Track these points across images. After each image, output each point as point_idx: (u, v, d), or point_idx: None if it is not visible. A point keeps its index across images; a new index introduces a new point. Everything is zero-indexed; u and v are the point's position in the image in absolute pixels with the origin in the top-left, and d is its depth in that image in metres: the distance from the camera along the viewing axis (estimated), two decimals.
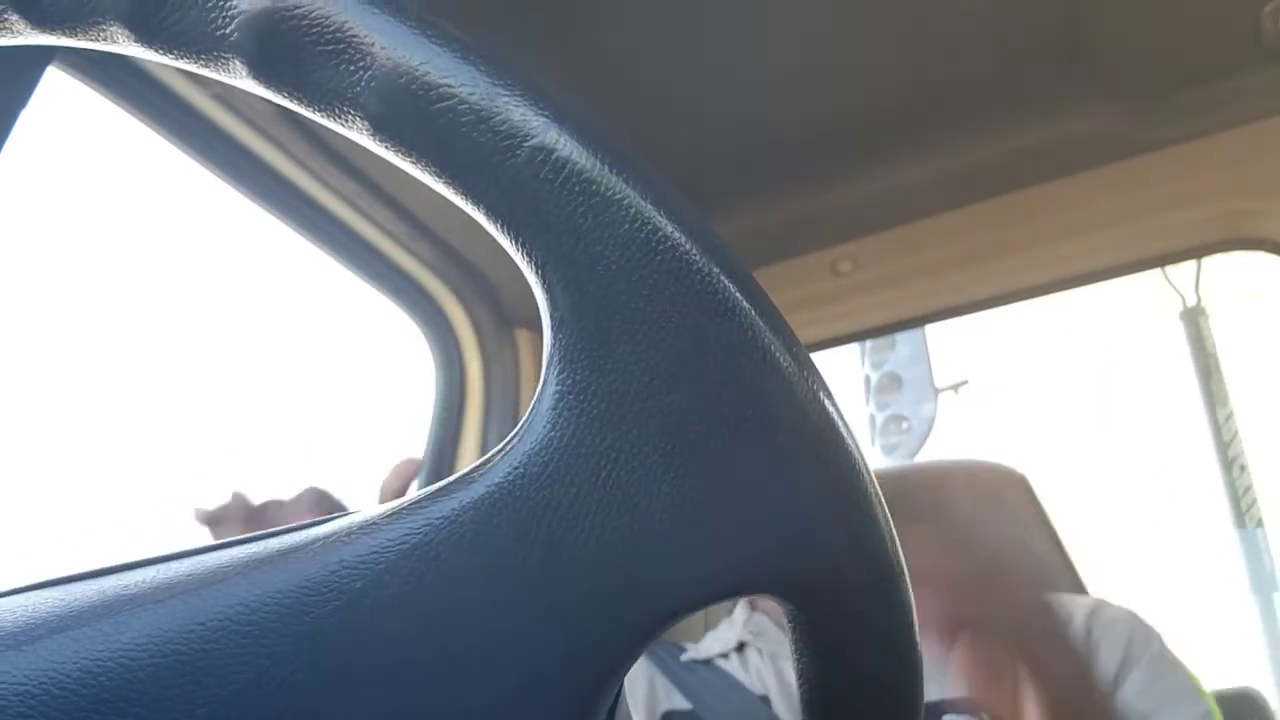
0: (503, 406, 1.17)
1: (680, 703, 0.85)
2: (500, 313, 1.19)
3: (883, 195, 1.12)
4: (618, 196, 0.17)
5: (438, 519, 0.17)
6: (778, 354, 0.18)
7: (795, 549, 0.18)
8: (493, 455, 0.18)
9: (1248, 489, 2.74)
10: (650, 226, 0.17)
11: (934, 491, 1.04)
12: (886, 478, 1.08)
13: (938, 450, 3.73)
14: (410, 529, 0.17)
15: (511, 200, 0.17)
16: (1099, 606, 0.77)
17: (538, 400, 0.18)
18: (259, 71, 0.18)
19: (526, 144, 0.17)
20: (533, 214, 0.17)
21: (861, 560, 0.19)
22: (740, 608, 0.92)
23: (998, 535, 1.00)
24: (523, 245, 0.18)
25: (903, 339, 3.72)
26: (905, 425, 3.66)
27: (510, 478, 0.18)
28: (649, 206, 0.17)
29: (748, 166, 1.08)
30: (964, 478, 0.98)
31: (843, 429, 0.19)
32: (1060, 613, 0.77)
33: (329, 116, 0.18)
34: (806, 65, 0.93)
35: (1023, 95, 0.99)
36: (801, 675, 0.21)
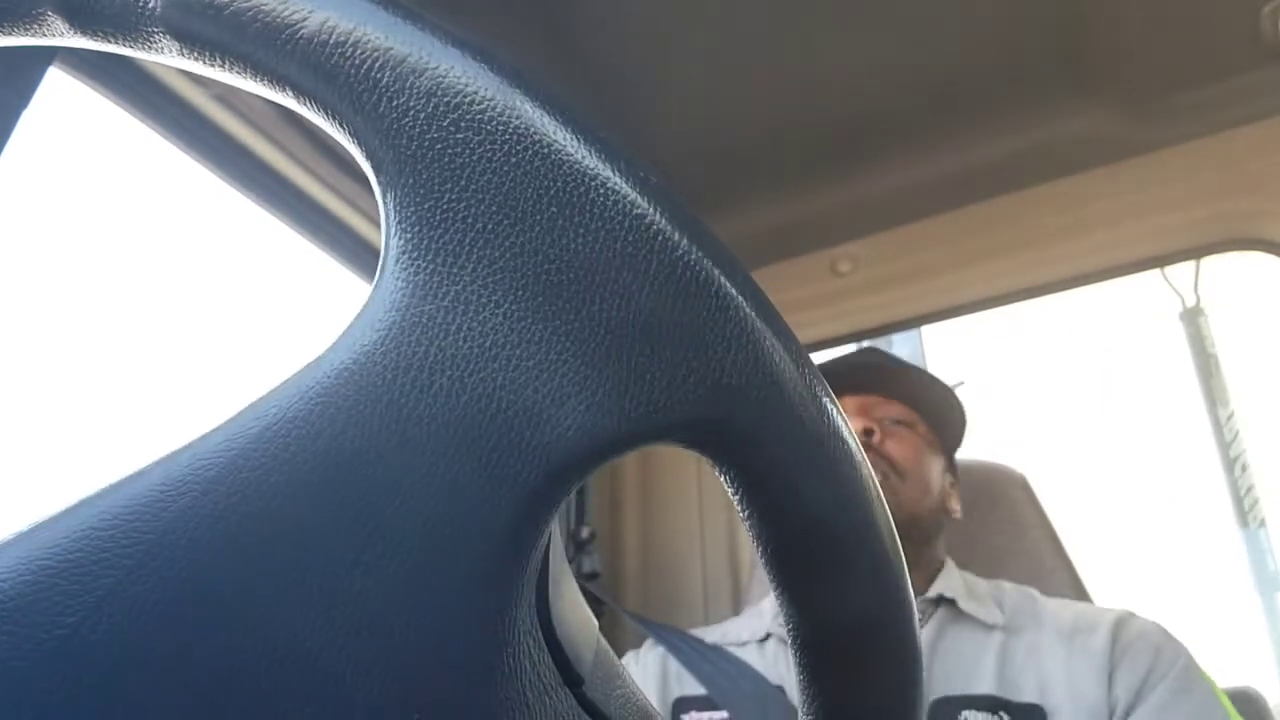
0: None
1: (693, 688, 0.85)
2: None
3: (883, 195, 1.12)
4: (410, 47, 0.17)
5: (285, 400, 0.17)
6: (617, 183, 0.17)
7: (682, 397, 0.17)
8: (340, 334, 0.18)
9: (1249, 488, 2.74)
10: (452, 72, 0.17)
11: None
12: None
13: None
14: (259, 414, 0.17)
15: (309, 71, 0.18)
16: (1126, 618, 0.77)
17: (379, 272, 0.18)
18: (72, 20, 0.19)
19: (314, 14, 0.17)
20: (331, 80, 0.17)
21: (775, 396, 0.18)
22: (770, 600, 0.91)
23: (997, 535, 1.00)
24: (332, 114, 0.18)
25: (900, 340, 3.72)
26: None
27: (355, 349, 0.17)
28: (447, 52, 0.17)
29: (748, 166, 1.08)
30: (963, 477, 0.98)
31: (722, 251, 0.18)
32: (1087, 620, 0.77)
33: (143, 45, 0.19)
34: (806, 65, 0.93)
35: (1023, 95, 0.99)
36: (753, 534, 0.20)
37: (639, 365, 0.17)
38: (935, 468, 0.88)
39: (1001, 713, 0.72)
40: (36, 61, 0.59)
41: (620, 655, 0.96)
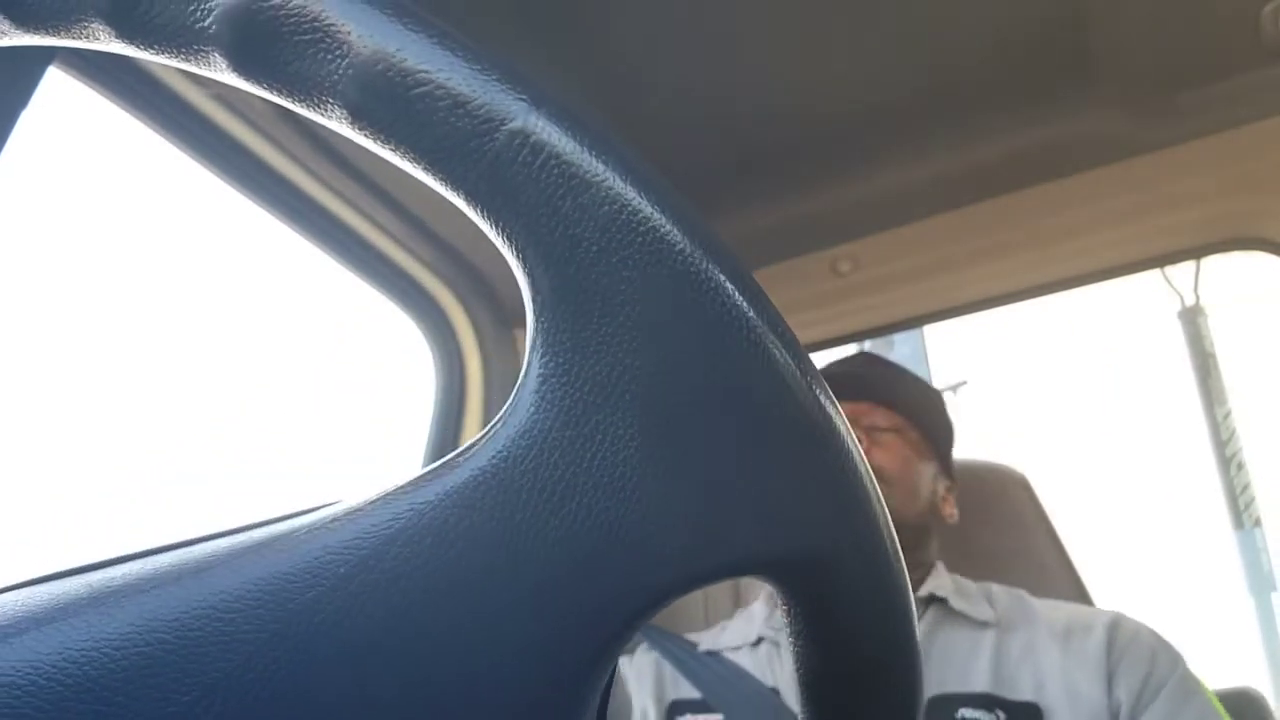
0: (503, 406, 1.17)
1: (689, 692, 0.85)
2: (500, 313, 1.19)
3: (883, 195, 1.12)
4: (597, 179, 0.17)
5: (421, 503, 0.17)
6: (762, 335, 0.18)
7: (785, 532, 0.18)
8: (478, 440, 0.18)
9: (1245, 488, 2.75)
10: (630, 208, 0.17)
11: None
12: None
13: None
14: (394, 513, 0.17)
15: (491, 184, 0.17)
16: (1119, 619, 0.77)
17: (521, 384, 0.18)
18: (238, 64, 0.18)
19: (505, 127, 0.17)
20: (512, 197, 0.17)
21: (854, 541, 0.19)
22: (760, 603, 0.92)
23: (998, 535, 1.00)
24: (503, 229, 0.18)
25: (901, 340, 3.72)
26: None
27: (495, 461, 0.18)
28: (629, 188, 0.17)
29: (748, 166, 1.08)
30: (963, 477, 0.98)
31: (832, 412, 0.19)
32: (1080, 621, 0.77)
33: (308, 106, 0.18)
34: (807, 65, 0.92)
35: (1023, 95, 0.99)
36: (799, 661, 0.21)
37: (746, 506, 0.18)
38: (925, 473, 0.89)
39: (998, 710, 0.73)
40: (36, 61, 0.59)
41: None
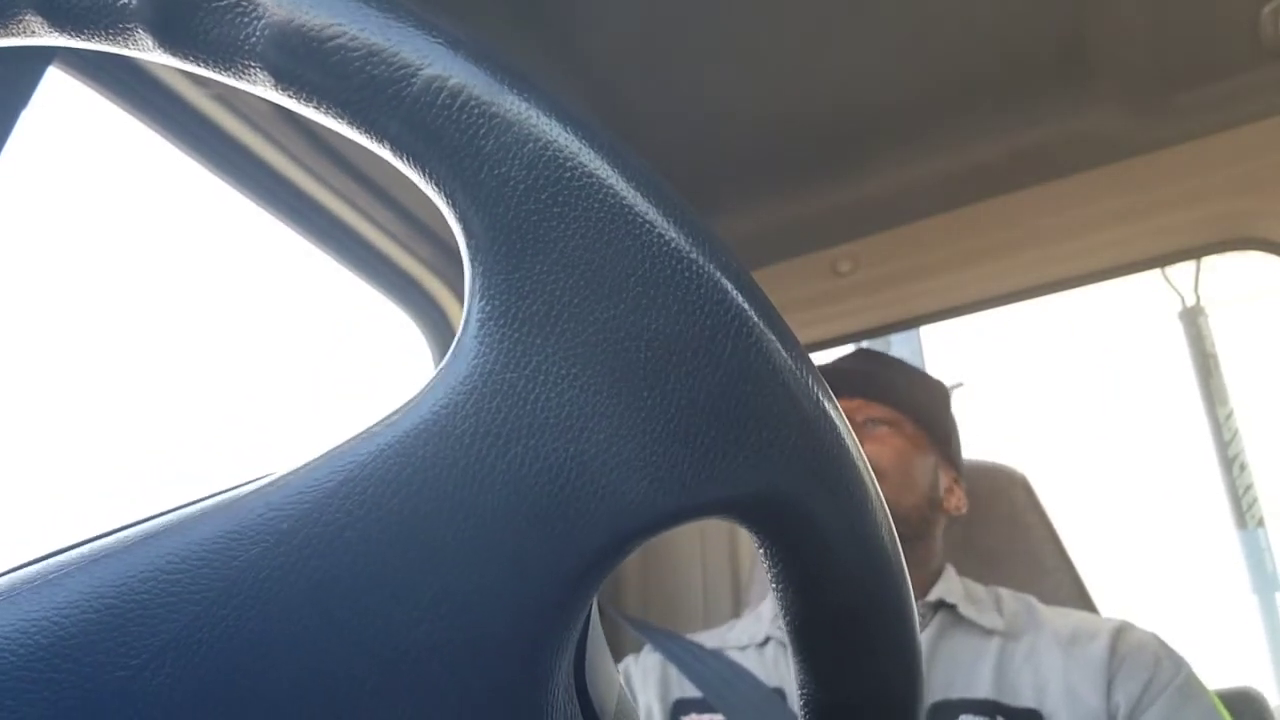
0: None
1: (693, 690, 0.85)
2: None
3: (883, 195, 1.12)
4: (518, 116, 0.17)
5: (363, 454, 0.17)
6: (705, 265, 0.18)
7: (747, 470, 0.18)
8: (419, 392, 0.18)
9: (1248, 488, 2.75)
10: (555, 145, 0.17)
11: None
12: None
13: None
14: (335, 468, 0.17)
15: (412, 129, 0.17)
16: (1125, 627, 0.77)
17: (461, 332, 0.18)
18: (162, 38, 0.18)
19: (421, 73, 0.17)
20: (434, 141, 0.17)
21: (822, 477, 0.18)
22: (768, 604, 0.92)
23: (997, 535, 1.00)
24: (430, 174, 0.18)
25: (899, 341, 3.72)
26: None
27: (435, 410, 0.17)
28: (552, 124, 0.17)
29: (748, 166, 1.08)
30: (963, 477, 0.98)
31: (791, 341, 0.18)
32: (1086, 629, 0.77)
33: (234, 74, 0.18)
34: (806, 65, 0.93)
35: (1023, 95, 0.99)
36: (783, 607, 0.20)
37: (705, 444, 0.18)
38: (921, 466, 0.88)
39: (999, 717, 0.73)
40: (36, 61, 0.59)
41: (619, 659, 0.96)
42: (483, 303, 0.18)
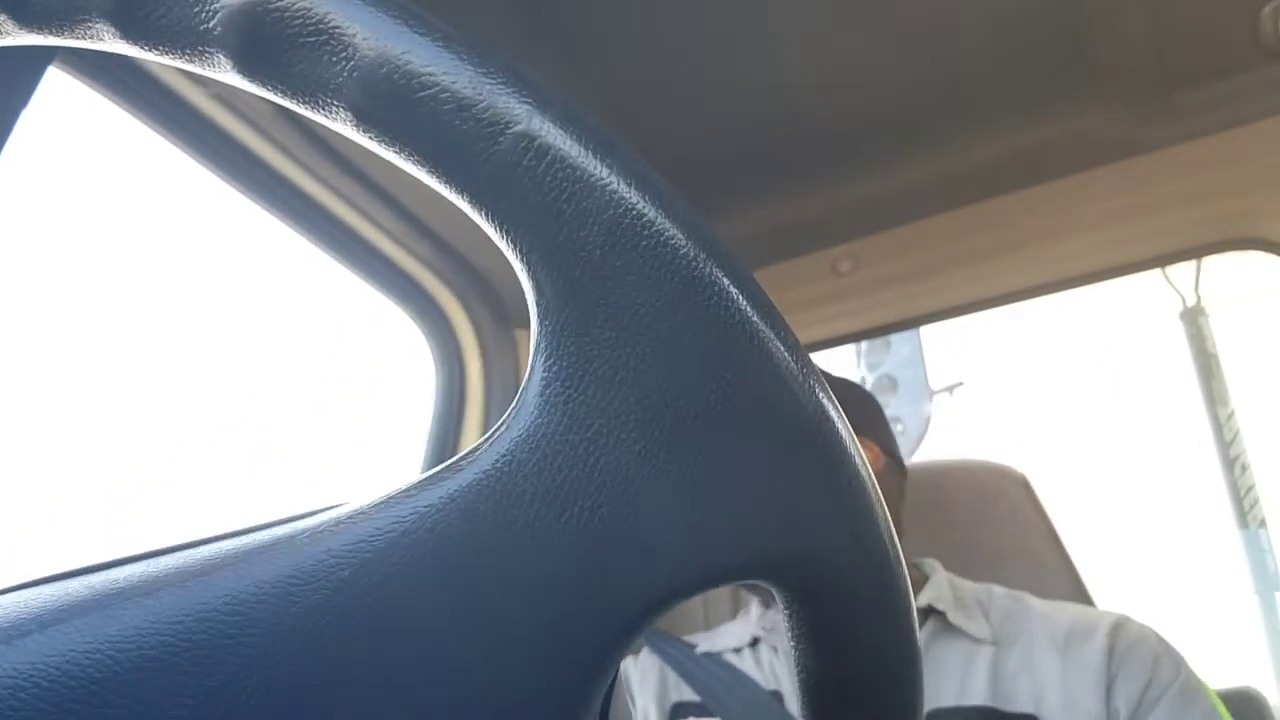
0: (503, 407, 1.17)
1: (691, 694, 0.85)
2: (500, 313, 1.19)
3: (883, 195, 1.12)
4: (601, 182, 0.17)
5: (425, 506, 0.17)
6: (765, 339, 0.18)
7: (787, 534, 0.18)
8: (481, 443, 0.18)
9: (1250, 488, 2.74)
10: (634, 212, 0.17)
11: (933, 491, 1.04)
12: None
13: (934, 453, 3.72)
14: (397, 517, 0.17)
15: (495, 187, 0.17)
16: (1122, 622, 0.76)
17: (525, 388, 0.18)
18: (243, 65, 0.18)
19: (509, 131, 0.17)
20: (516, 201, 0.17)
21: (855, 544, 0.19)
22: (755, 604, 0.92)
23: (997, 535, 1.00)
24: (507, 232, 0.18)
25: (898, 341, 3.72)
26: (900, 427, 3.66)
27: (498, 465, 0.18)
28: (633, 192, 0.17)
29: (748, 166, 1.08)
30: (964, 477, 0.98)
31: (834, 414, 0.19)
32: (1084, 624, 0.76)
33: (313, 108, 0.18)
34: (807, 65, 0.93)
35: (1023, 95, 0.99)
36: (799, 664, 0.21)
37: (748, 509, 0.18)
38: (892, 488, 0.89)
39: None
40: (36, 61, 0.59)
41: None
42: (549, 362, 0.18)
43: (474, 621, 0.17)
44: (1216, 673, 0.77)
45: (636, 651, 0.96)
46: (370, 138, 0.18)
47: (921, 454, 3.70)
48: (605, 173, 0.17)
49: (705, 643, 0.91)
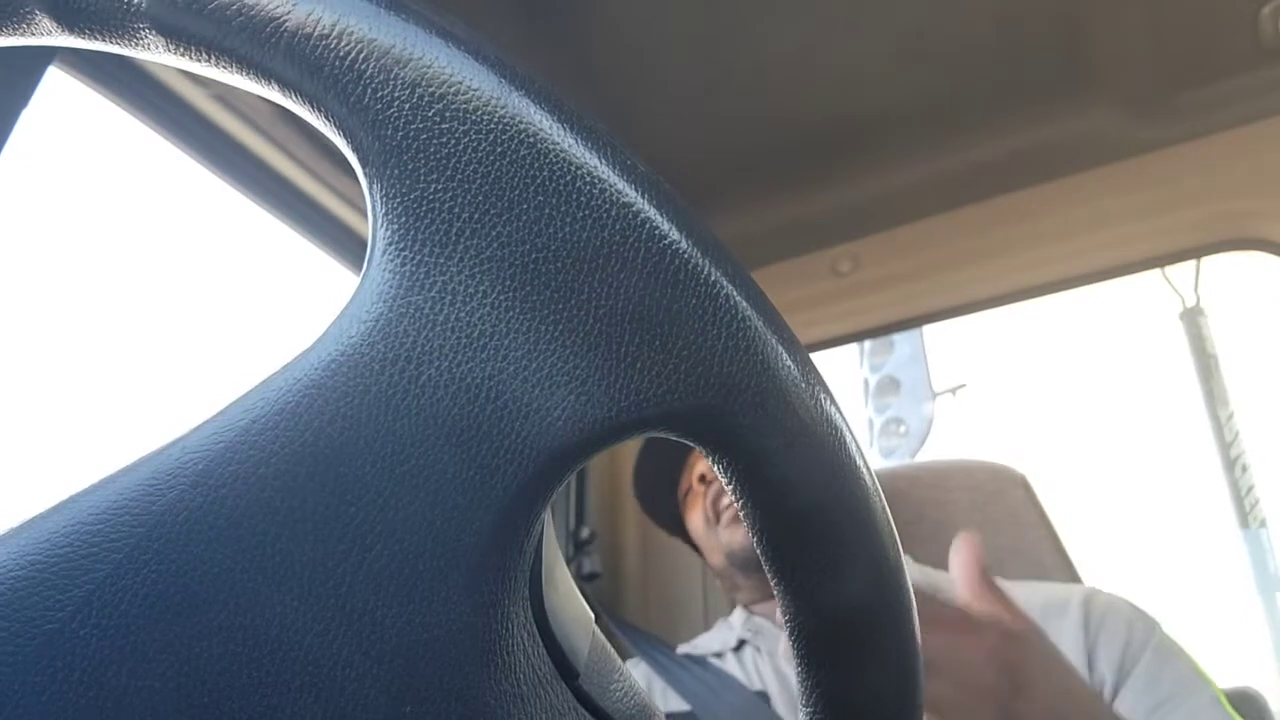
0: None
1: (677, 704, 0.85)
2: None
3: (883, 195, 1.12)
4: (395, 38, 0.17)
5: (274, 391, 0.17)
6: (604, 172, 0.17)
7: (671, 386, 0.17)
8: (328, 325, 0.18)
9: (1250, 489, 2.74)
10: (438, 63, 0.17)
11: (933, 491, 1.04)
12: (885, 477, 1.08)
13: (936, 454, 3.72)
14: (247, 406, 0.17)
15: (295, 64, 0.17)
16: (1092, 594, 0.76)
17: (366, 264, 0.18)
18: (60, 18, 0.19)
19: (296, 8, 0.17)
20: (317, 72, 0.17)
21: (752, 389, 0.17)
22: (738, 610, 0.92)
23: (997, 535, 1.00)
24: (319, 108, 0.18)
25: (900, 341, 3.72)
26: (903, 428, 3.66)
27: (341, 341, 0.17)
28: (433, 42, 0.17)
29: (748, 166, 1.08)
30: (963, 477, 0.98)
31: (709, 241, 0.18)
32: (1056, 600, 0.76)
33: (131, 41, 0.19)
34: (807, 65, 0.93)
35: (1023, 95, 0.99)
36: (749, 523, 0.19)
37: (629, 354, 0.17)
38: None
39: None
40: (36, 61, 0.59)
41: None
42: (382, 229, 0.18)
43: (341, 499, 0.16)
44: (1216, 673, 0.77)
45: (625, 660, 0.96)
46: (182, 53, 0.18)
47: (923, 456, 3.70)
48: (398, 27, 0.17)
49: (687, 647, 0.91)
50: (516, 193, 0.17)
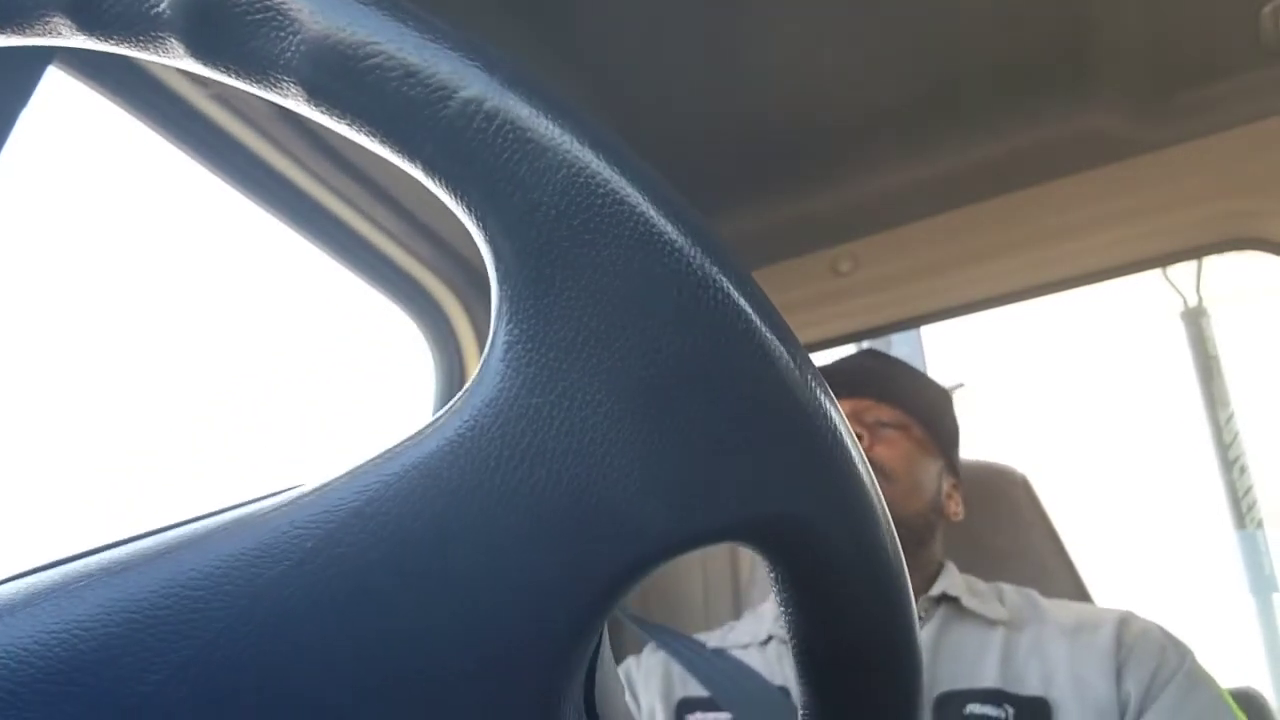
0: None
1: (697, 689, 0.85)
2: None
3: (883, 195, 1.12)
4: (552, 142, 0.17)
5: (389, 475, 0.17)
6: (732, 294, 0.18)
7: (764, 495, 0.18)
8: (445, 411, 0.18)
9: (1248, 490, 2.75)
10: (588, 170, 0.17)
11: None
12: None
13: None
14: (361, 487, 0.17)
15: (446, 151, 0.17)
16: (1129, 617, 0.77)
17: (487, 355, 0.18)
18: (194, 48, 0.18)
19: (458, 95, 0.17)
20: (468, 164, 0.17)
21: (836, 504, 0.18)
22: (770, 603, 0.91)
23: (998, 535, 1.00)
24: (462, 197, 0.18)
25: (899, 342, 3.72)
26: None
27: (460, 431, 0.17)
28: (585, 150, 0.17)
29: (748, 166, 1.08)
30: (963, 477, 0.98)
31: (809, 374, 0.18)
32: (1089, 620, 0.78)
33: (266, 87, 0.18)
34: (807, 65, 0.93)
35: (1023, 95, 0.99)
36: (791, 633, 0.20)
37: (723, 470, 0.18)
38: (928, 471, 0.88)
39: (1006, 705, 0.73)
40: (36, 61, 0.59)
41: (621, 659, 0.96)
42: (510, 326, 0.18)
43: (442, 588, 0.17)
44: (1214, 673, 0.77)
45: (638, 651, 0.96)
46: (323, 112, 0.18)
47: None
48: (556, 132, 0.17)
49: (716, 639, 0.91)
50: (645, 306, 0.17)
